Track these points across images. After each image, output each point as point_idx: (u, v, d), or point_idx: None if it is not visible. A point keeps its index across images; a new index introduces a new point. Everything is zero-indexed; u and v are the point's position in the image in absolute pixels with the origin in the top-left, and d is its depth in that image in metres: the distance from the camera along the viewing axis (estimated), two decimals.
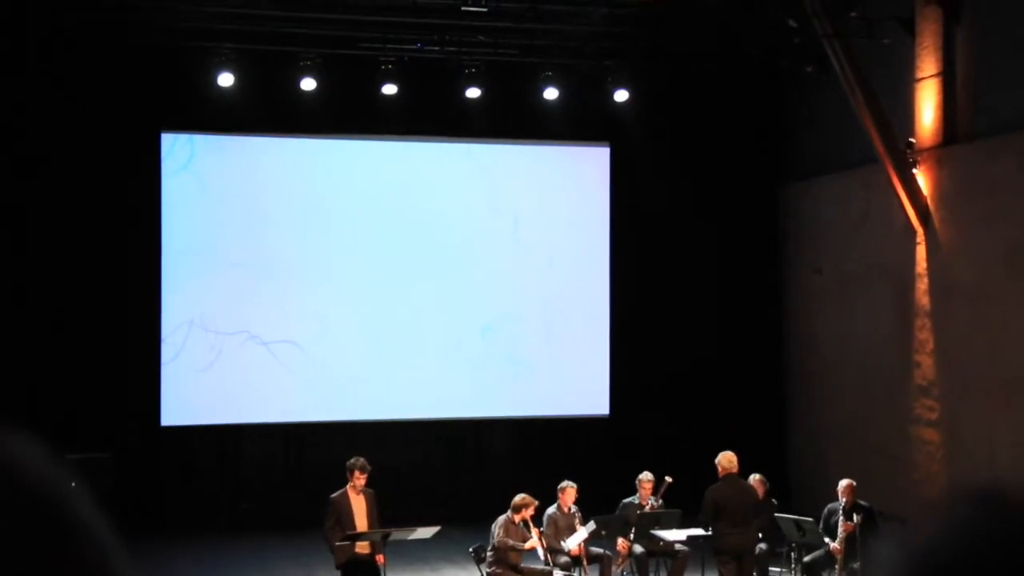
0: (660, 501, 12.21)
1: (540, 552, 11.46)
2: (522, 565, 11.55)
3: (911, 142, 13.91)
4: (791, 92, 16.92)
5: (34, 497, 0.84)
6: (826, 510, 12.01)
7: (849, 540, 11.62)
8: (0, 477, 0.84)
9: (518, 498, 11.56)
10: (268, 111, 15.65)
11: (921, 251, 14.01)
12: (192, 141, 15.83)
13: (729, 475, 11.19)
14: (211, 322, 15.76)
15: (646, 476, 12.29)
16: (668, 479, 12.06)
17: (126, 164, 15.39)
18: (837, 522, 11.78)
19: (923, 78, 13.80)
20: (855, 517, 11.54)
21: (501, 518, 11.54)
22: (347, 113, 16.01)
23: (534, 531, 11.46)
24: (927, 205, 13.86)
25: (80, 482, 0.91)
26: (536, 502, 11.56)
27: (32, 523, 0.83)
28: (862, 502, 11.82)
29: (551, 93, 15.75)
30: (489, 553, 11.50)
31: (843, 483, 11.89)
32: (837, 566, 11.71)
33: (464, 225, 16.58)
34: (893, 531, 0.88)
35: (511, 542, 11.41)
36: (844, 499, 11.82)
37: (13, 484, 0.84)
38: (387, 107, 15.59)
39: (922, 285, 14.02)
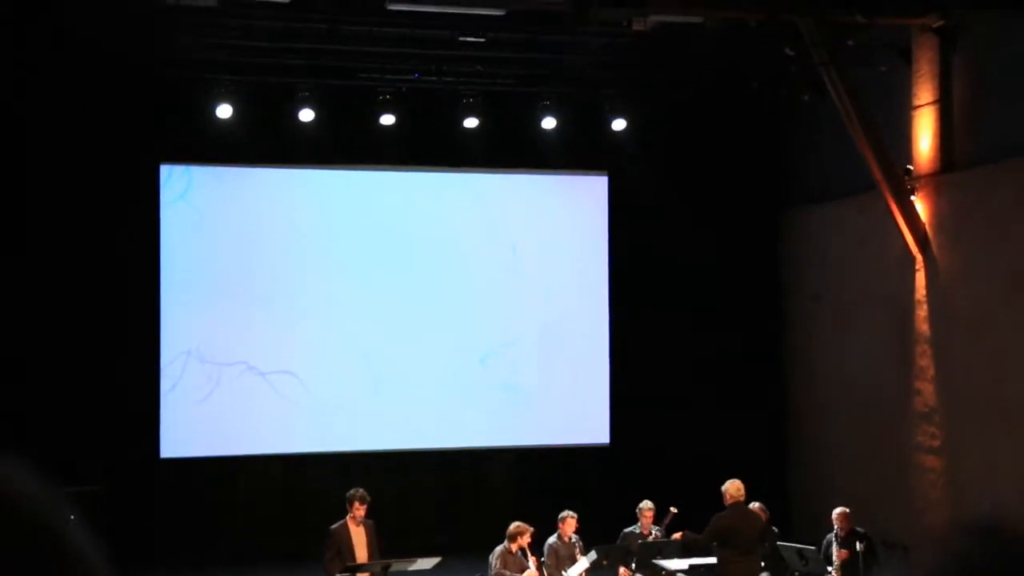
0: (662, 530, 12.15)
1: None
2: None
3: (909, 169, 13.93)
4: (789, 120, 16.96)
5: (31, 524, 0.83)
6: (824, 540, 11.97)
7: (845, 568, 11.56)
8: None
9: (513, 526, 11.47)
10: (266, 142, 15.68)
11: (920, 278, 14.00)
12: (189, 172, 15.85)
13: (736, 503, 11.18)
14: (208, 353, 15.73)
15: (647, 505, 12.25)
16: (673, 510, 12.01)
17: (124, 195, 15.40)
18: (833, 551, 11.74)
19: (920, 106, 13.84)
20: (858, 545, 11.50)
21: (498, 549, 11.46)
22: (345, 143, 16.02)
23: (532, 560, 11.36)
24: (926, 232, 13.87)
25: (76, 514, 0.91)
26: (531, 529, 11.47)
27: (29, 550, 0.82)
28: (859, 529, 11.79)
29: (549, 122, 15.77)
30: None
31: (837, 511, 11.89)
32: None
33: (462, 255, 16.58)
34: (895, 562, 0.87)
35: (508, 574, 11.33)
36: (838, 527, 11.81)
37: (10, 511, 0.83)
38: (385, 137, 15.62)
39: (922, 312, 14.01)
